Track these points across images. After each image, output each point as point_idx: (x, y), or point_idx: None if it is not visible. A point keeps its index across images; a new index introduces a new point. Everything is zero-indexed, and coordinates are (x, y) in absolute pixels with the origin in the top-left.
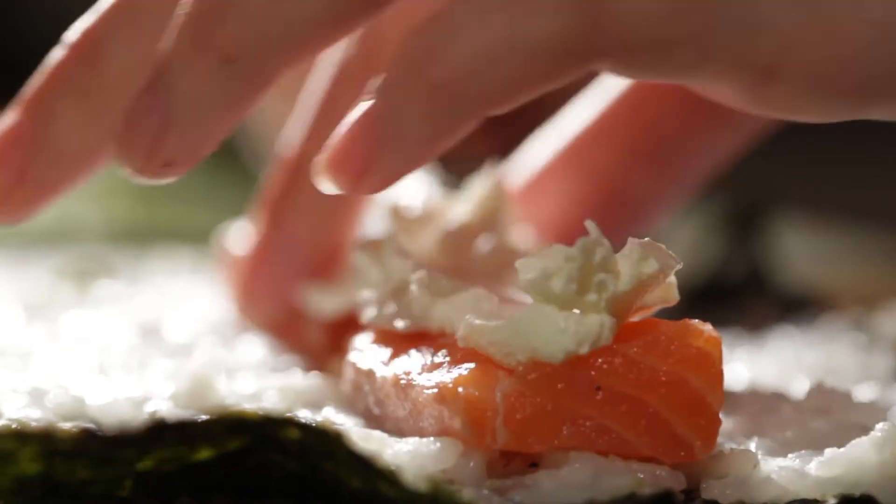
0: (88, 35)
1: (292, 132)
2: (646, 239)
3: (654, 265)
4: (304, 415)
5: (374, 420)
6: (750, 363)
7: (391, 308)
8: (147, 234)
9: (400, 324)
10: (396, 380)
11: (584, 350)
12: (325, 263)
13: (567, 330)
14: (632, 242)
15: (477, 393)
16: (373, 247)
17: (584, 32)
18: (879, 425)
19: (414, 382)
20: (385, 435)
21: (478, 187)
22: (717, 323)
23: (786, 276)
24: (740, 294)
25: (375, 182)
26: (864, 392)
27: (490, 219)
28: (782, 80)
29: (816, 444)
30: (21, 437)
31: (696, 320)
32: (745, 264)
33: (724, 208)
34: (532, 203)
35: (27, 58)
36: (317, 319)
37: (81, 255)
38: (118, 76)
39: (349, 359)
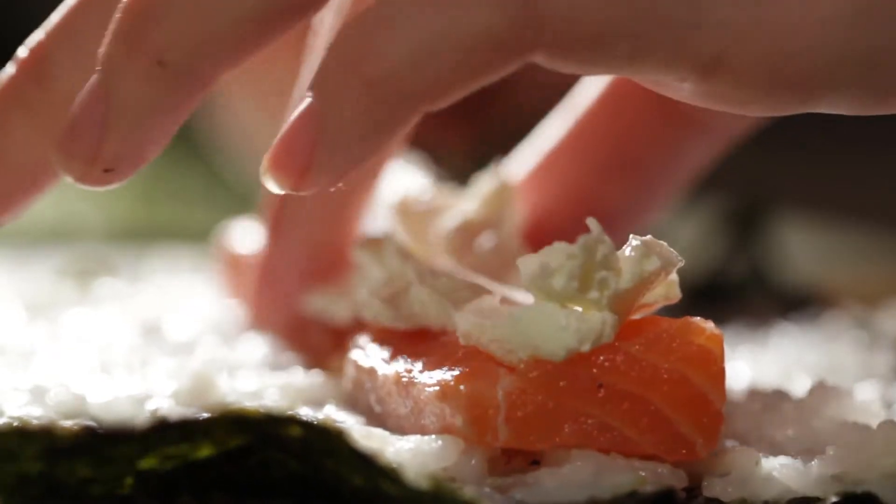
0: (36, 52)
1: None
2: (648, 237)
3: (655, 263)
4: (306, 413)
5: (375, 418)
6: (751, 361)
7: (392, 306)
8: (148, 233)
9: (401, 322)
10: (398, 377)
11: (586, 348)
12: (331, 266)
13: (569, 327)
14: (633, 240)
15: (478, 391)
16: (373, 245)
17: (520, 25)
18: (881, 423)
19: (415, 380)
20: (386, 433)
21: (483, 185)
22: (719, 321)
23: (787, 275)
24: (742, 292)
25: (319, 179)
26: (866, 390)
27: (494, 216)
28: (726, 73)
29: (818, 442)
30: (22, 435)
31: (698, 318)
32: (747, 262)
33: (725, 207)
34: None
35: None
36: (323, 323)
37: (82, 254)
38: (65, 92)
39: (350, 357)
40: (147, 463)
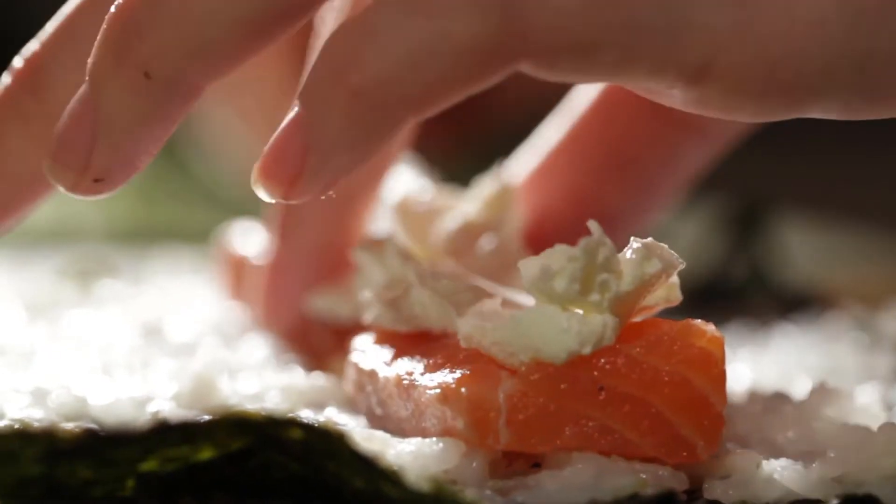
0: (31, 62)
1: None
2: (649, 239)
3: (656, 265)
4: (307, 415)
5: (376, 420)
6: (752, 363)
7: (393, 308)
8: (148, 234)
9: (402, 324)
10: (399, 380)
11: (587, 350)
12: (338, 268)
13: (570, 330)
14: (634, 243)
15: (479, 393)
16: (374, 246)
17: (505, 34)
18: (882, 425)
19: (416, 383)
20: (388, 435)
21: (485, 187)
22: (719, 322)
23: (787, 276)
24: (742, 294)
25: (309, 188)
26: (867, 392)
27: (495, 218)
28: (714, 80)
29: (819, 445)
30: (23, 437)
31: (699, 320)
32: (748, 264)
33: (726, 208)
34: None
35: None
36: (325, 324)
37: (83, 255)
38: (61, 102)
39: (351, 359)
40: (148, 465)
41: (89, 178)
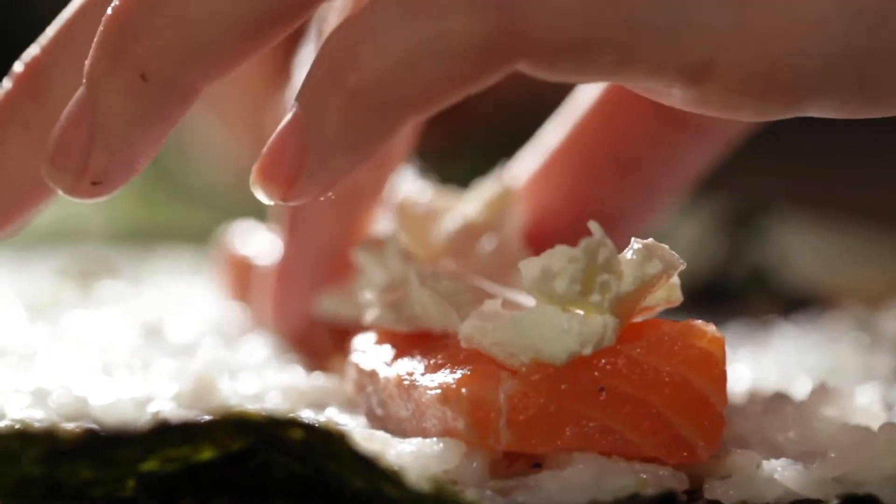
0: (31, 67)
1: None
2: (649, 240)
3: (657, 266)
4: (308, 415)
5: (377, 420)
6: (752, 363)
7: (394, 309)
8: (149, 234)
9: (403, 324)
10: (399, 380)
11: (588, 351)
12: (344, 269)
13: (570, 331)
14: (635, 243)
15: (480, 394)
16: (375, 246)
17: (503, 34)
18: (882, 425)
19: (417, 383)
20: (388, 435)
21: (486, 188)
22: (720, 322)
23: (788, 277)
24: (743, 294)
25: (307, 189)
26: (867, 392)
27: (495, 219)
28: (714, 80)
29: (819, 445)
30: (24, 437)
31: (700, 321)
32: (748, 264)
33: (726, 208)
34: None
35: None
36: (326, 324)
37: (84, 255)
38: (60, 108)
39: (352, 359)
40: (149, 465)
41: (87, 181)
